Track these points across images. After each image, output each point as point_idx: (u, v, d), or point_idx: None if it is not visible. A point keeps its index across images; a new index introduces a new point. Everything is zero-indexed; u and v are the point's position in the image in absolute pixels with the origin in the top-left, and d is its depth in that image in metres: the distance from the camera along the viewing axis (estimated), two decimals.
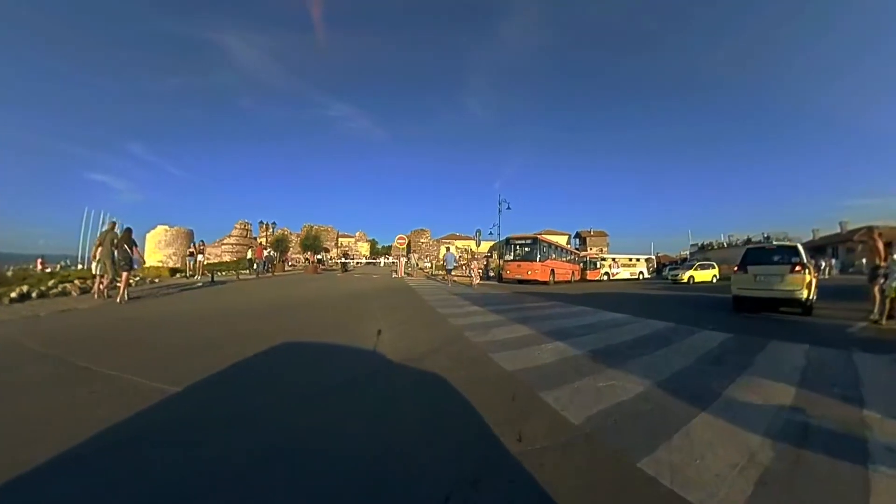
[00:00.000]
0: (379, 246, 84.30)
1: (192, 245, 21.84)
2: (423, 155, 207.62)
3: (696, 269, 24.82)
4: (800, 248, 9.25)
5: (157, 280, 16.68)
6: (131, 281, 10.45)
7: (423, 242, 58.51)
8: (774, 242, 10.57)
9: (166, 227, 32.18)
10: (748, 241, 31.56)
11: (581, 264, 30.83)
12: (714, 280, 25.92)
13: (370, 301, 10.92)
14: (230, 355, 4.35)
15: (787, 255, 9.11)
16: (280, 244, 33.18)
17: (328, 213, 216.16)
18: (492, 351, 5.00)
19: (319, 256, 32.27)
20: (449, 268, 21.97)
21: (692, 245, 39.76)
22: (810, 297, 8.69)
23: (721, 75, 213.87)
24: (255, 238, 38.06)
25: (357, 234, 79.52)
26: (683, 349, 5.27)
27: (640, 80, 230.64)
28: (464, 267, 32.91)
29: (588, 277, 29.97)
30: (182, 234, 31.55)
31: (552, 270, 22.35)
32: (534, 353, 4.90)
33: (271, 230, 43.23)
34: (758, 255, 9.63)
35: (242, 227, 48.20)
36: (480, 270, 23.21)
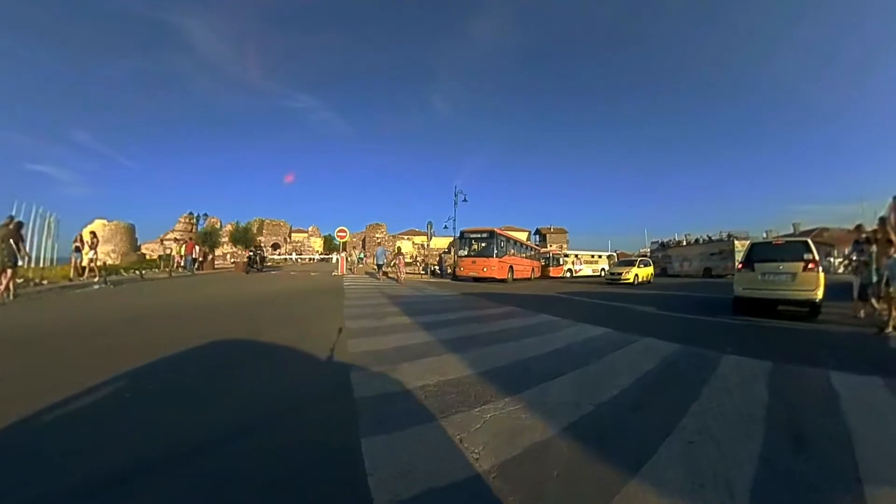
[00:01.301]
0: (337, 242, 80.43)
1: (77, 237, 17.68)
2: (385, 150, 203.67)
3: (639, 267, 21.99)
4: (811, 243, 7.86)
5: (45, 282, 12.97)
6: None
7: (378, 238, 55.12)
8: (782, 237, 9.09)
9: (104, 221, 28.19)
10: (709, 239, 30.92)
11: (543, 261, 29.20)
12: (651, 278, 23.28)
13: (273, 307, 8.16)
14: None
15: (797, 251, 7.77)
16: (208, 238, 29.05)
17: (283, 207, 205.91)
18: (371, 430, 2.43)
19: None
20: (379, 263, 20.85)
21: (652, 242, 39.13)
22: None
23: (682, 82, 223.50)
24: (200, 232, 33.62)
25: (310, 228, 75.05)
26: (726, 409, 2.94)
27: (600, 82, 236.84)
28: (416, 262, 30.59)
29: (550, 274, 28.53)
30: (122, 230, 27.89)
31: (511, 267, 20.17)
32: (454, 438, 2.37)
33: (221, 224, 38.53)
34: (764, 251, 8.23)
35: (187, 220, 43.00)
36: (405, 266, 22.72)
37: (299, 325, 6.14)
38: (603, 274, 30.62)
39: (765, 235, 40.04)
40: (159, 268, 22.43)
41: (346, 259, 26.15)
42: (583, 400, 3.01)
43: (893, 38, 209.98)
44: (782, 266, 7.57)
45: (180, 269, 21.70)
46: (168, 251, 23.59)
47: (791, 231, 33.89)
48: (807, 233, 30.91)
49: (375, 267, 22.10)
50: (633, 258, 24.43)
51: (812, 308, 7.48)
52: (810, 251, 7.56)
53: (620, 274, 21.04)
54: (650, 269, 23.96)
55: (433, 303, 9.62)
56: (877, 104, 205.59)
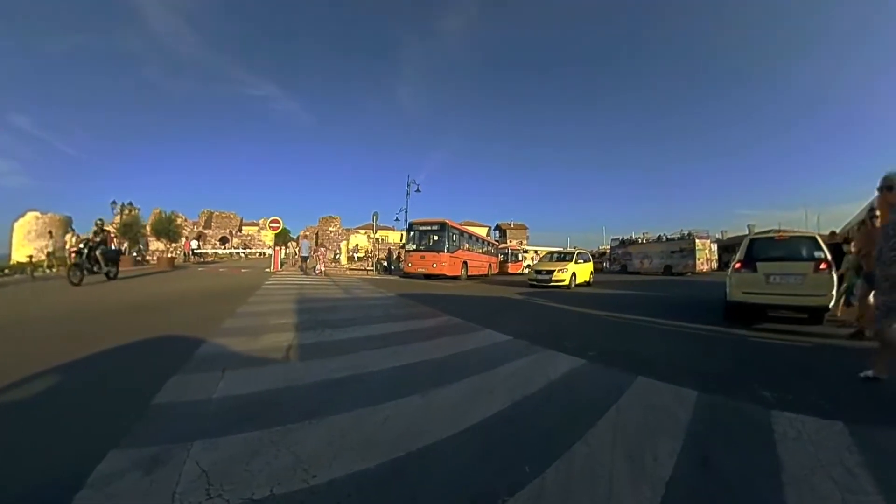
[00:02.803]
0: (292, 235, 76.88)
1: None
2: (346, 143, 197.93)
3: (577, 263, 15.53)
4: (819, 239, 6.56)
5: None
6: None
7: (331, 231, 51.83)
8: (786, 232, 7.60)
9: (37, 213, 24.22)
10: (667, 238, 30.30)
11: (501, 256, 27.61)
12: (591, 279, 17.20)
13: (147, 316, 5.84)
14: None
15: (805, 248, 6.45)
16: (128, 230, 25.31)
17: (236, 200, 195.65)
18: None
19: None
20: (304, 255, 21.68)
21: (613, 239, 38.20)
22: None
23: (641, 84, 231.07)
24: (144, 225, 29.34)
25: (261, 221, 70.20)
26: None
27: (562, 80, 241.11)
28: (368, 257, 28.55)
29: (509, 270, 27.05)
30: (57, 222, 23.98)
31: (464, 263, 18.19)
32: None
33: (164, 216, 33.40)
34: (767, 248, 6.76)
35: (127, 212, 37.96)
36: (325, 257, 22.62)
37: (144, 348, 3.88)
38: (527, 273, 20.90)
39: (720, 236, 40.42)
40: (53, 266, 18.51)
41: (284, 253, 24.53)
42: None
43: (836, 53, 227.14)
44: (790, 266, 6.17)
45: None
46: (71, 248, 19.86)
47: (746, 232, 34.00)
48: (761, 234, 30.94)
49: (301, 258, 22.87)
50: (568, 251, 17.70)
51: (815, 314, 6.30)
52: (821, 249, 6.20)
53: (551, 273, 14.35)
54: (590, 266, 17.63)
55: (350, 309, 7.37)
56: (817, 119, 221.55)
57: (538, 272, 14.92)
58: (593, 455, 2.08)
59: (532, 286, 14.36)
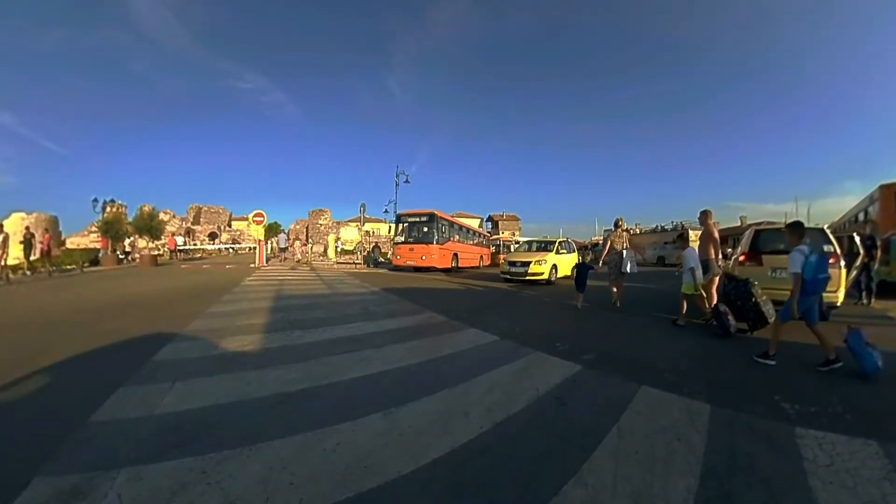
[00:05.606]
0: (284, 229, 76.13)
1: None
2: (338, 135, 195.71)
3: (558, 254, 13.01)
4: (828, 231, 6.09)
5: None
6: None
7: (321, 224, 51.02)
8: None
9: (22, 214, 23.34)
10: (662, 228, 30.03)
11: (493, 248, 27.13)
12: (573, 271, 12.86)
13: (107, 320, 5.25)
14: None
15: (814, 241, 5.76)
16: (111, 228, 24.43)
17: (227, 194, 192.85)
18: None
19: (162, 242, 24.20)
20: (282, 247, 24.24)
21: (605, 230, 37.99)
22: None
23: (635, 74, 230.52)
24: (131, 222, 28.29)
25: (250, 215, 69.03)
26: None
27: (555, 71, 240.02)
28: (356, 251, 28.18)
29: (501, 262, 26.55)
30: (43, 223, 23.56)
31: (455, 255, 17.69)
32: None
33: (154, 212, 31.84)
34: (774, 240, 6.25)
35: (114, 209, 36.57)
36: (303, 250, 25.51)
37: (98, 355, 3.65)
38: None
39: None
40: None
41: (270, 247, 25.11)
42: None
43: (826, 50, 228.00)
44: None
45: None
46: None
47: (738, 224, 33.80)
48: (768, 225, 30.81)
49: (279, 249, 25.17)
50: (549, 240, 14.53)
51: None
52: (830, 242, 5.77)
53: (527, 265, 11.89)
54: (575, 258, 14.29)
55: (326, 307, 6.87)
56: (806, 114, 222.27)
57: (511, 264, 12.45)
58: (590, 499, 1.65)
59: (506, 280, 12.43)
